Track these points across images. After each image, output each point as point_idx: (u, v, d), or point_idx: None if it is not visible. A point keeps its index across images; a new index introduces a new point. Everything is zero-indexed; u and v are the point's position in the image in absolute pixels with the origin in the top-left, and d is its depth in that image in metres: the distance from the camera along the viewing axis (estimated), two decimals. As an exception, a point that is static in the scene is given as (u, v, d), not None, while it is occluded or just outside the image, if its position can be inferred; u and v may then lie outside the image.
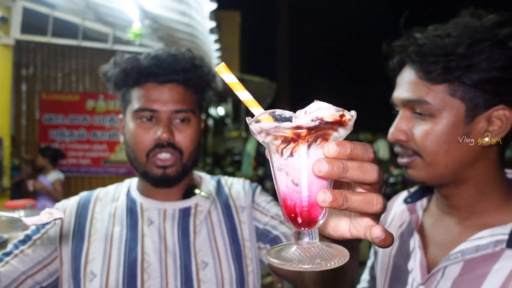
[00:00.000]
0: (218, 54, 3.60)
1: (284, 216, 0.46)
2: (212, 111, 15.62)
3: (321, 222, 0.44)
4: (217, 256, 0.86)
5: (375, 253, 0.92)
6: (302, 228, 0.44)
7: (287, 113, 0.42)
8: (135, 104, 0.86)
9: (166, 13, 2.98)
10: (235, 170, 13.43)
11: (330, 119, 0.41)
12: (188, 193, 0.91)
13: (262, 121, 0.42)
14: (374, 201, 0.41)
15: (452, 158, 0.69)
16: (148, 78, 0.86)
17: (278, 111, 0.42)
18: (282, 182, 0.44)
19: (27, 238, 0.87)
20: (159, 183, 0.88)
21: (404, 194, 0.87)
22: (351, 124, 0.43)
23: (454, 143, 0.69)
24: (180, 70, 0.86)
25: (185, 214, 0.89)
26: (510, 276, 0.64)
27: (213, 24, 2.41)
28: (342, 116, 0.41)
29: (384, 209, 0.41)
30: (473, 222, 0.73)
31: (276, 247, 0.46)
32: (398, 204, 0.90)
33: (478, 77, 0.65)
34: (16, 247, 0.84)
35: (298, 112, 0.43)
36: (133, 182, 0.98)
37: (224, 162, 14.30)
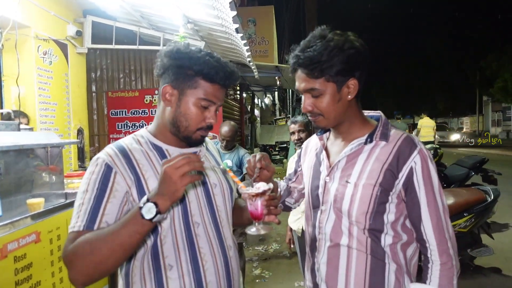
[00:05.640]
0: (247, 47, 4.13)
1: (251, 217, 1.13)
2: (258, 101, 16.08)
3: (262, 220, 1.13)
4: (219, 179, 1.25)
5: (295, 171, 1.52)
6: (256, 221, 1.13)
7: (252, 188, 1.11)
8: (202, 93, 1.12)
9: (204, 18, 3.56)
10: (282, 157, 13.90)
11: (260, 191, 1.09)
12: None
13: (243, 189, 1.11)
14: None
15: (336, 112, 1.19)
16: (218, 80, 1.13)
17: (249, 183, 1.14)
18: (251, 206, 1.12)
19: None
20: (195, 144, 1.21)
21: (315, 135, 1.42)
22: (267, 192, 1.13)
23: (335, 104, 1.17)
24: (232, 80, 1.17)
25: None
26: (366, 158, 1.18)
27: (236, 25, 2.96)
28: (266, 190, 1.10)
29: None
30: (349, 138, 1.24)
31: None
32: (314, 138, 1.43)
33: (335, 69, 1.12)
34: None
35: (255, 185, 1.11)
36: (145, 135, 1.20)
37: (272, 151, 14.71)
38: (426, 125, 11.19)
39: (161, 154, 1.17)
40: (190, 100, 1.13)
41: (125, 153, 1.11)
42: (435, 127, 11.39)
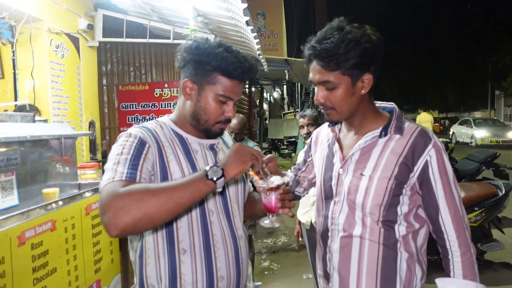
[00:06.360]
0: (257, 40, 4.13)
1: (265, 209, 1.15)
2: (266, 95, 16.04)
3: (275, 213, 1.15)
4: None
5: (305, 161, 1.53)
6: (270, 214, 1.15)
7: (267, 182, 1.12)
8: (221, 89, 1.15)
9: (214, 11, 3.57)
10: (291, 151, 13.91)
11: (274, 185, 1.11)
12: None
13: (258, 182, 1.13)
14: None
15: (349, 106, 1.19)
16: (236, 76, 1.15)
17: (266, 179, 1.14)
18: (265, 199, 1.14)
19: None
20: (213, 136, 1.25)
21: (326, 124, 1.41)
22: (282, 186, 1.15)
23: (349, 98, 1.18)
24: (251, 75, 1.20)
25: (211, 147, 1.26)
26: (381, 151, 1.19)
27: (247, 18, 2.96)
28: (281, 184, 1.11)
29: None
30: (362, 131, 1.25)
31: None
32: (325, 129, 1.43)
33: (352, 63, 1.12)
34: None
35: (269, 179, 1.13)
36: (167, 122, 1.23)
37: (280, 145, 14.72)
38: (424, 120, 12.15)
39: (182, 141, 1.21)
40: (209, 96, 1.17)
41: (152, 134, 1.15)
42: (432, 121, 12.81)
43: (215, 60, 1.13)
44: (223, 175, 0.99)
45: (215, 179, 0.98)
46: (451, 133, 21.03)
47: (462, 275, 1.14)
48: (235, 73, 1.15)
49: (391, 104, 1.31)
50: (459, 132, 19.58)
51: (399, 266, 1.18)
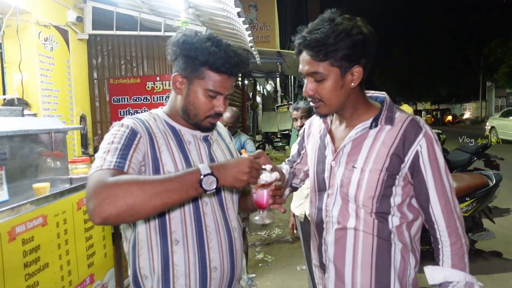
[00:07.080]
0: (248, 32, 4.10)
1: (256, 205, 1.16)
2: (259, 87, 15.97)
3: (266, 209, 1.16)
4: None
5: (299, 153, 1.52)
6: (261, 210, 1.16)
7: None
8: (210, 84, 1.14)
9: (205, 2, 3.53)
10: (284, 144, 13.92)
11: (265, 182, 1.09)
12: None
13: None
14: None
15: (338, 98, 1.17)
16: (225, 71, 1.14)
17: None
18: (255, 196, 1.14)
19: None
20: (204, 130, 1.24)
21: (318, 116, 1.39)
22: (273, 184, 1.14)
23: (338, 91, 1.16)
24: (241, 69, 1.19)
25: (205, 138, 1.27)
26: (372, 143, 1.18)
27: (238, 9, 2.92)
28: (272, 181, 1.10)
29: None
30: (353, 123, 1.23)
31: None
32: (316, 120, 1.42)
33: (341, 54, 1.10)
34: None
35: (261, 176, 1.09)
36: (160, 114, 1.24)
37: (274, 138, 14.72)
38: None
39: (175, 133, 1.22)
40: (199, 90, 1.16)
41: (145, 125, 1.16)
42: (412, 113, 13.33)
43: (203, 55, 1.12)
44: (215, 188, 0.98)
45: (206, 189, 0.97)
46: (488, 128, 15.36)
47: (450, 264, 1.14)
48: (224, 68, 1.13)
49: (382, 94, 1.30)
50: (503, 126, 14.13)
51: (393, 257, 1.19)
